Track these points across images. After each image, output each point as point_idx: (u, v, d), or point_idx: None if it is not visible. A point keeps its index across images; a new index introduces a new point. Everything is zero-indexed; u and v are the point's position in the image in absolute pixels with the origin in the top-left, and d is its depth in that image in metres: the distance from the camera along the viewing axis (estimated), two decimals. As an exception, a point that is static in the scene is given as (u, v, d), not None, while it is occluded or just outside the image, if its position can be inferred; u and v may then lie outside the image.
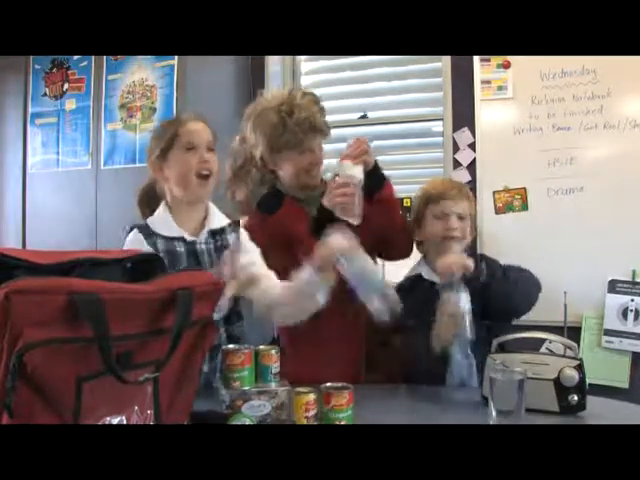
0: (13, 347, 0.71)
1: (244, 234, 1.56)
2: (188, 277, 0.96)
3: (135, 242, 1.43)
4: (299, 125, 1.55)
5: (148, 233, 1.45)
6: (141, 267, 0.97)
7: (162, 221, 1.48)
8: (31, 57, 3.23)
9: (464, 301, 1.37)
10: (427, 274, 1.63)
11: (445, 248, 1.60)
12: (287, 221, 1.61)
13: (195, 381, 0.99)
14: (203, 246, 1.48)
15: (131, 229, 1.48)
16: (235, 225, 1.56)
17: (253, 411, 1.12)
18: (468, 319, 1.35)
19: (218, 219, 1.54)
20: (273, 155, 1.62)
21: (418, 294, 1.61)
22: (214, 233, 1.51)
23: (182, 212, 1.50)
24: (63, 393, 0.76)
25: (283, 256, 1.54)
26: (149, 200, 1.59)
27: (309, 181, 1.64)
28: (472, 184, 2.85)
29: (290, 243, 1.56)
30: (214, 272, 1.26)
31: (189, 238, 1.47)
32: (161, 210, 1.51)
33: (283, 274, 1.48)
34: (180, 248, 1.45)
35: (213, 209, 1.55)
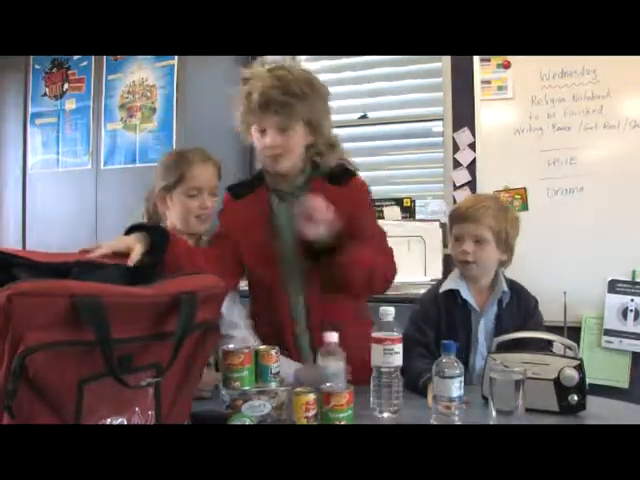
0: (15, 349, 0.71)
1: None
2: (191, 281, 0.95)
3: None
4: (248, 97, 1.44)
5: None
6: (141, 270, 0.97)
7: None
8: (31, 57, 3.23)
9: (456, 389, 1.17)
10: (465, 293, 1.58)
11: (462, 272, 1.59)
12: (241, 213, 1.54)
13: (196, 383, 0.99)
14: None
15: None
16: None
17: (253, 411, 1.11)
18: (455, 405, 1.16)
19: None
20: (246, 136, 1.51)
21: (455, 313, 1.58)
22: None
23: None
24: (64, 395, 0.76)
25: (238, 244, 1.52)
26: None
27: (270, 167, 1.49)
28: (472, 184, 2.86)
29: (244, 232, 1.53)
30: None
31: None
32: None
33: (237, 264, 1.52)
34: None
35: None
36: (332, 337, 1.21)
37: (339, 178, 1.51)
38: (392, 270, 1.53)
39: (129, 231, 1.36)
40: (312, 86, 1.45)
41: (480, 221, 1.55)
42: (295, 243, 1.47)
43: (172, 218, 1.57)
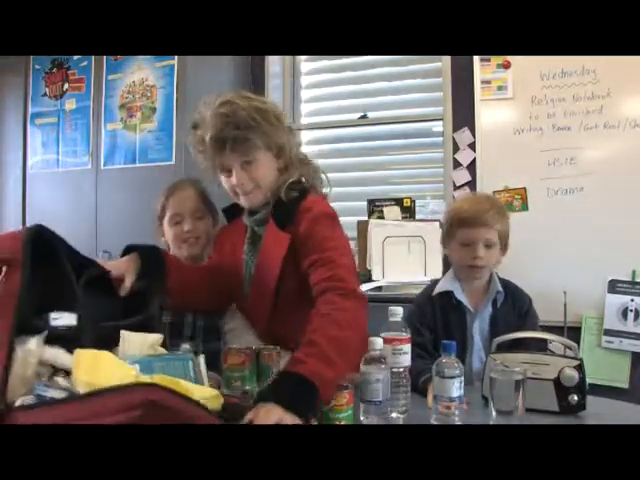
0: None
1: None
2: None
3: None
4: (202, 142, 1.41)
5: None
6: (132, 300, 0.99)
7: None
8: (31, 57, 3.23)
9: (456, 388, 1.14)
10: (459, 294, 1.59)
11: (470, 276, 1.60)
12: (230, 234, 1.57)
13: None
14: None
15: None
16: None
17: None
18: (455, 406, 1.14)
19: None
20: (218, 180, 1.48)
21: (450, 313, 1.60)
22: None
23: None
24: None
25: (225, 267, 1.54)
26: None
27: (243, 203, 1.46)
28: (472, 184, 2.86)
29: (223, 256, 1.57)
30: None
31: None
32: None
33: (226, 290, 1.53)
34: None
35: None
36: (377, 344, 1.15)
37: (284, 219, 1.41)
38: (351, 297, 1.25)
39: (125, 252, 1.38)
40: (262, 112, 1.38)
41: (490, 225, 1.55)
42: (252, 281, 1.46)
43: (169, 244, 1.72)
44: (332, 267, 1.28)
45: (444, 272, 2.53)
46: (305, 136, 3.37)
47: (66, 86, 3.17)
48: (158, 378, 0.89)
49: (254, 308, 1.48)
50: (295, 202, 1.41)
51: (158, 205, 1.73)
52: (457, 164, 2.91)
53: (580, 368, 1.22)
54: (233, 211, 1.57)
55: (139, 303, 1.24)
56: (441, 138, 3.04)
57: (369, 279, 2.62)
